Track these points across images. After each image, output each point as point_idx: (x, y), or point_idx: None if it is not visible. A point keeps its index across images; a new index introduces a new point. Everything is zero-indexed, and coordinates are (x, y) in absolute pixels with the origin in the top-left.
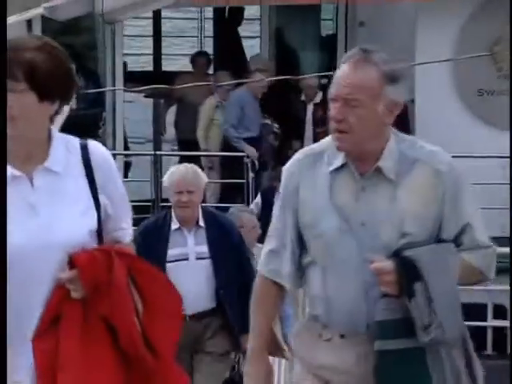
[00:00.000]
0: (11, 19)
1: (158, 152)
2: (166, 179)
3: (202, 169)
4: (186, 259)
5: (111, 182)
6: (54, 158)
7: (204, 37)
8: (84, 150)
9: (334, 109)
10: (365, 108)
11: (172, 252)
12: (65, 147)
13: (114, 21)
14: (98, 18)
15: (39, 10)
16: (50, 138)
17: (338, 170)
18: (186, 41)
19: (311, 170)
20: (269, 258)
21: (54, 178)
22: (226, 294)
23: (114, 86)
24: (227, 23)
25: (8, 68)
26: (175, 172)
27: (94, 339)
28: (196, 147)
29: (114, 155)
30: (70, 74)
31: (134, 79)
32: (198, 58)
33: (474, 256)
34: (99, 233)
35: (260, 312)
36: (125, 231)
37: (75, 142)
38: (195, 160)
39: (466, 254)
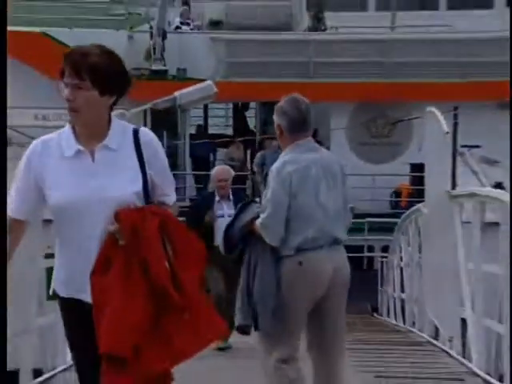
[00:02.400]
0: (133, 111)
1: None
2: (212, 173)
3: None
4: (223, 216)
5: (156, 158)
6: (111, 137)
7: (228, 116)
8: (135, 133)
9: None
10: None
11: (217, 212)
12: (121, 130)
13: (185, 109)
14: (178, 108)
15: (149, 105)
16: (109, 122)
17: None
18: (218, 119)
19: None
20: None
21: (110, 153)
22: None
23: (185, 140)
24: (240, 109)
25: (75, 69)
26: (217, 169)
27: (133, 278)
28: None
29: (185, 174)
30: (125, 74)
31: (194, 137)
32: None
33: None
34: (146, 196)
35: None
36: (168, 197)
37: (130, 127)
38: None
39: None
